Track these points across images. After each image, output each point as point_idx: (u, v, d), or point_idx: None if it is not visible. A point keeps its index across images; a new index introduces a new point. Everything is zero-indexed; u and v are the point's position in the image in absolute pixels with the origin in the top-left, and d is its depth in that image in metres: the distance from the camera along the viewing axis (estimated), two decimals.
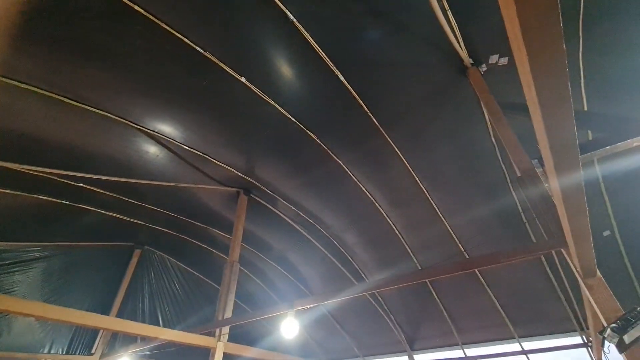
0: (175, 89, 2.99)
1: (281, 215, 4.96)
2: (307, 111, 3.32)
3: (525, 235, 3.95)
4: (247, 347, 3.52)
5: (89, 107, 3.07)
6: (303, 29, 2.56)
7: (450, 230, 4.34)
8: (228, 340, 3.44)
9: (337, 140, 3.66)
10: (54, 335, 4.99)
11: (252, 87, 2.99)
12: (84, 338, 5.26)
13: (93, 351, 5.11)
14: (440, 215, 4.26)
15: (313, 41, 2.65)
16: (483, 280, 4.60)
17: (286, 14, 2.44)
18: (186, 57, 2.68)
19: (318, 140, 3.61)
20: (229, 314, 3.53)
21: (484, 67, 2.90)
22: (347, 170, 4.01)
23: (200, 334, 3.44)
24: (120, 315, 5.54)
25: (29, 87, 2.73)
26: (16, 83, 2.68)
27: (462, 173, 3.80)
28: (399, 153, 3.70)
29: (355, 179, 4.14)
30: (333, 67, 2.84)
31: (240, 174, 4.29)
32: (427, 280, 5.11)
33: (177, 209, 5.11)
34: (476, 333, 5.29)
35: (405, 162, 3.79)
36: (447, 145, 3.58)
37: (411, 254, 4.88)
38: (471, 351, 5.43)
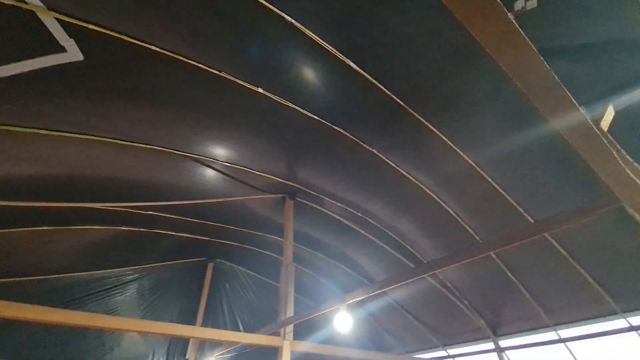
0: (204, 112, 3.24)
1: (329, 213, 5.02)
2: (329, 107, 3.31)
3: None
4: (313, 344, 3.64)
5: (143, 145, 3.49)
6: (304, 28, 2.57)
7: (514, 204, 3.92)
8: (295, 337, 3.59)
9: (365, 130, 3.58)
10: (155, 345, 5.74)
11: (271, 95, 3.09)
12: (178, 346, 5.96)
13: (187, 357, 5.75)
14: (500, 190, 3.87)
15: (316, 37, 2.64)
16: (564, 251, 4.06)
17: (283, 17, 2.48)
18: (205, 81, 2.89)
19: (346, 133, 3.58)
20: (290, 313, 3.69)
21: (510, 17, 2.58)
22: (384, 158, 3.89)
23: (267, 335, 3.65)
24: (205, 323, 6.14)
25: (95, 138, 3.22)
26: (86, 136, 3.17)
27: (512, 135, 3.41)
28: (434, 129, 3.48)
29: (393, 165, 4.00)
30: (343, 58, 2.79)
31: (281, 180, 4.45)
32: (498, 261, 4.69)
33: (234, 222, 5.50)
34: (569, 312, 4.71)
35: (444, 137, 3.54)
36: (489, 108, 3.24)
37: (473, 233, 4.53)
38: (566, 332, 4.84)
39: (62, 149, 3.24)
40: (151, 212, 4.73)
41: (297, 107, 3.24)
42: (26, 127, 2.87)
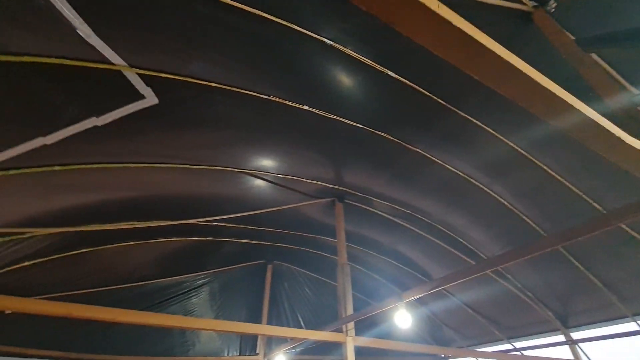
0: (257, 132, 3.59)
1: (378, 212, 5.15)
2: (371, 115, 3.46)
3: None
4: (374, 339, 3.83)
5: (206, 167, 3.95)
6: (342, 47, 2.76)
7: (577, 191, 3.73)
8: (357, 333, 3.82)
9: (408, 131, 3.67)
10: (228, 341, 6.36)
11: (316, 111, 3.32)
12: (249, 342, 6.52)
13: (257, 351, 6.28)
14: (557, 176, 3.72)
15: (354, 53, 2.81)
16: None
17: (323, 41, 2.69)
18: (257, 105, 3.20)
19: (389, 137, 3.70)
20: (350, 310, 3.92)
21: (552, 4, 2.52)
22: (429, 155, 3.94)
23: (330, 331, 3.92)
24: (269, 321, 6.63)
25: (168, 165, 3.73)
26: (161, 165, 3.69)
27: None
28: (479, 123, 3.46)
29: (440, 162, 4.03)
30: (381, 68, 2.93)
31: (329, 185, 4.69)
32: (563, 250, 4.48)
33: (289, 226, 5.87)
34: None
35: (490, 130, 3.51)
36: None
37: (532, 223, 4.38)
38: None
39: (144, 177, 3.79)
40: (215, 224, 5.25)
41: (340, 119, 3.44)
42: (115, 163, 3.43)
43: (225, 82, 2.93)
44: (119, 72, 2.56)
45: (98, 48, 2.34)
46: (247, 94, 3.05)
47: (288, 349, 5.47)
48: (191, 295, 6.19)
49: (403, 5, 0.58)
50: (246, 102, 3.13)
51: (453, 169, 4.14)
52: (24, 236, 3.90)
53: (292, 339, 4.98)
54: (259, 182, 4.62)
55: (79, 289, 5.06)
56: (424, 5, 0.57)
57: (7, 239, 3.82)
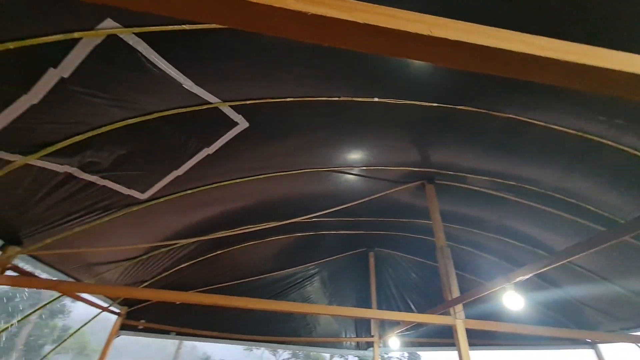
0: (334, 132, 3.82)
1: (476, 189, 4.80)
2: (444, 92, 3.30)
3: None
4: (487, 322, 3.66)
5: (295, 171, 4.41)
6: None
7: None
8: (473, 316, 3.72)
9: (492, 99, 3.34)
10: (344, 324, 6.90)
11: (386, 100, 3.36)
12: (364, 324, 6.93)
13: (372, 334, 6.62)
14: None
15: None
16: None
17: None
18: (330, 108, 3.42)
19: (471, 109, 3.44)
20: (455, 292, 3.83)
21: None
22: (524, 119, 3.50)
23: (439, 314, 3.92)
24: (379, 305, 6.90)
25: (264, 176, 4.31)
26: (257, 177, 4.30)
27: None
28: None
29: (540, 123, 3.53)
30: None
31: (416, 169, 4.61)
32: None
33: (383, 214, 5.98)
34: None
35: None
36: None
37: None
38: None
39: (249, 188, 4.46)
40: (314, 220, 5.74)
41: (412, 102, 3.38)
42: (226, 181, 4.16)
43: (298, 95, 3.24)
44: (216, 108, 3.12)
45: (199, 94, 2.91)
46: (318, 100, 3.31)
47: (399, 332, 5.62)
48: (305, 284, 6.93)
49: None
50: (319, 107, 3.38)
51: (560, 128, 3.57)
52: (177, 245, 5.07)
53: (402, 322, 5.11)
54: (347, 177, 4.88)
55: (218, 284, 6.26)
56: None
57: (167, 249, 5.04)
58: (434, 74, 3.14)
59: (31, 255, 3.53)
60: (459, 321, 3.61)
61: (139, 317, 6.16)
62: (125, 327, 6.04)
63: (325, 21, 0.67)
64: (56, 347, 6.15)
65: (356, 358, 23.73)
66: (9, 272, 3.26)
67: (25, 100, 2.28)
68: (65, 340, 7.03)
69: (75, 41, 2.13)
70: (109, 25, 2.14)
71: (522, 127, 3.62)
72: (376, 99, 3.34)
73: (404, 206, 5.65)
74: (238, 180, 4.15)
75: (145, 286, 5.54)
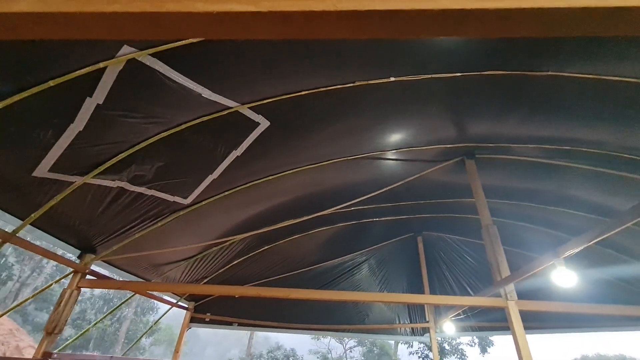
0: (354, 118, 3.76)
1: (522, 158, 4.37)
2: (467, 59, 3.04)
3: None
4: (543, 302, 3.35)
5: (326, 162, 4.44)
6: None
7: None
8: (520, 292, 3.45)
9: (523, 57, 3.00)
10: (397, 311, 6.81)
11: (403, 78, 3.21)
12: (417, 310, 6.78)
13: (427, 319, 6.45)
14: None
15: None
16: None
17: None
18: (347, 93, 3.38)
19: (502, 72, 3.13)
20: (506, 272, 3.56)
21: None
22: (569, 74, 3.08)
23: (489, 297, 3.69)
24: (432, 290, 6.68)
25: (296, 170, 4.42)
26: (289, 172, 4.43)
27: None
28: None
29: (591, 76, 3.07)
30: None
31: (452, 146, 4.35)
32: None
33: (426, 197, 5.75)
34: None
35: None
36: None
37: None
38: None
39: (283, 184, 4.61)
40: (353, 208, 5.73)
41: (433, 75, 3.18)
42: (258, 180, 4.35)
43: (312, 87, 3.25)
44: (237, 112, 3.27)
45: (218, 101, 3.08)
46: (333, 90, 3.28)
47: (453, 317, 5.40)
48: (354, 273, 6.98)
49: None
50: (335, 96, 3.36)
51: (616, 78, 3.08)
52: (227, 243, 5.46)
53: (453, 306, 4.90)
54: (382, 163, 4.79)
55: (270, 277, 6.60)
56: None
57: (219, 247, 5.44)
58: (451, 41, 2.91)
59: (104, 261, 4.10)
60: (511, 303, 3.36)
61: (205, 311, 6.77)
62: (194, 320, 6.69)
63: (233, 16, 0.69)
64: (136, 342, 7.03)
65: (421, 344, 23.32)
66: (88, 277, 3.82)
67: (73, 128, 2.63)
68: (146, 333, 7.96)
69: (102, 71, 2.40)
70: (126, 52, 2.37)
71: (568, 83, 3.20)
72: (392, 79, 3.21)
73: (447, 186, 5.36)
74: (271, 178, 4.32)
75: (206, 282, 6.06)
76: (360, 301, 6.65)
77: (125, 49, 2.35)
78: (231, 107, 3.22)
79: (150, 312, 37.40)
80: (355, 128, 3.97)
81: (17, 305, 3.85)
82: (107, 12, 0.69)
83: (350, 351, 37.12)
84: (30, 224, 3.03)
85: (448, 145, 4.39)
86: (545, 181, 4.66)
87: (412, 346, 23.58)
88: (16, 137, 2.52)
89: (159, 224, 4.04)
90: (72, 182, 3.00)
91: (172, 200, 3.87)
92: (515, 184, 4.92)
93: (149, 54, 2.45)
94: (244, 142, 3.60)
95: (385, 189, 4.87)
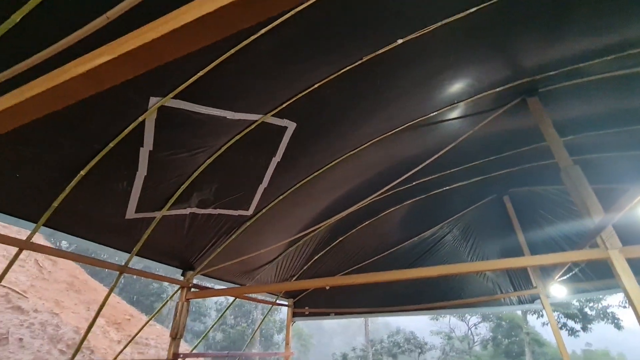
0: (375, 93, 3.62)
1: (593, 78, 3.54)
2: None
3: None
4: None
5: (365, 144, 4.36)
6: None
7: None
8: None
9: None
10: (496, 280, 6.20)
11: (411, 36, 2.97)
12: (520, 276, 6.05)
13: (534, 284, 5.68)
14: None
15: None
16: None
17: None
18: (359, 71, 3.29)
19: None
20: (599, 214, 2.95)
21: None
22: None
23: (586, 249, 3.13)
24: (534, 250, 5.86)
25: (337, 161, 4.46)
26: (335, 162, 4.49)
27: None
28: None
29: None
30: None
31: (506, 87, 3.80)
32: None
33: (492, 151, 5.13)
34: None
35: None
36: None
37: None
38: None
39: (334, 176, 4.68)
40: (414, 183, 5.46)
41: (444, 22, 2.86)
42: (307, 177, 4.53)
43: (324, 76, 3.27)
44: (263, 122, 3.51)
45: (243, 118, 3.37)
46: (344, 72, 3.24)
47: (559, 277, 4.66)
48: (438, 247, 6.64)
49: None
50: (348, 78, 3.30)
51: None
52: (310, 235, 5.77)
53: (552, 265, 4.24)
54: (432, 126, 4.47)
55: (352, 267, 6.76)
56: None
57: (296, 245, 5.85)
58: None
59: (203, 274, 4.86)
60: (613, 252, 2.78)
61: (303, 305, 7.33)
62: (296, 314, 7.32)
63: (99, 69, 0.85)
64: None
65: (555, 313, 20.36)
66: (193, 289, 4.60)
67: (140, 175, 3.24)
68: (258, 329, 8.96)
69: (143, 123, 2.90)
70: (154, 102, 2.81)
71: None
72: (400, 41, 3.00)
73: (517, 134, 4.68)
74: (316, 173, 4.46)
75: (296, 279, 6.58)
76: (449, 274, 6.26)
77: (152, 100, 2.79)
78: (256, 120, 3.48)
79: (277, 312, 41.84)
80: (384, 100, 3.81)
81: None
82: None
83: (476, 328, 34.84)
84: (137, 255, 3.82)
85: (502, 88, 3.85)
86: (630, 97, 3.65)
87: (542, 316, 20.82)
88: (106, 192, 3.24)
89: (234, 236, 4.59)
90: (154, 217, 3.68)
91: (237, 214, 4.36)
92: (593, 110, 4.00)
93: (172, 98, 2.86)
94: (280, 147, 3.83)
95: (443, 151, 4.50)
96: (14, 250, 2.81)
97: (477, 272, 6.05)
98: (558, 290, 4.93)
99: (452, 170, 5.45)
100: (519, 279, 6.09)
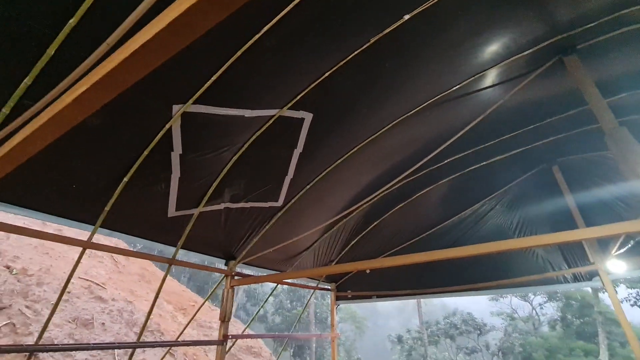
0: (388, 75, 3.52)
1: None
2: None
3: None
4: None
5: (385, 128, 4.27)
6: None
7: None
8: None
9: None
10: (547, 256, 5.77)
11: (416, 11, 2.84)
12: (575, 252, 5.57)
13: (592, 260, 5.19)
14: None
15: None
16: None
17: None
18: (369, 56, 3.24)
19: None
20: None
21: None
22: None
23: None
24: (593, 222, 5.32)
25: (355, 149, 4.44)
26: (354, 150, 4.48)
27: None
28: None
29: None
30: None
31: (538, 47, 3.48)
32: None
33: (532, 120, 4.72)
34: None
35: None
36: None
37: None
38: None
39: (354, 162, 4.69)
40: (445, 162, 5.24)
41: None
42: (328, 167, 4.58)
43: (333, 64, 3.28)
44: (280, 116, 3.63)
45: (261, 114, 3.52)
46: (354, 58, 3.21)
47: (616, 251, 4.21)
48: (479, 226, 6.34)
49: None
50: (359, 63, 3.27)
51: None
52: (343, 222, 5.88)
53: (608, 237, 3.85)
54: (455, 102, 4.26)
55: (391, 249, 6.73)
56: None
57: (330, 232, 5.98)
58: None
59: (244, 263, 5.22)
60: None
61: (346, 289, 7.52)
62: (339, 298, 7.54)
63: (85, 97, 1.00)
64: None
65: (632, 290, 18.27)
66: (236, 277, 4.98)
67: (174, 177, 3.57)
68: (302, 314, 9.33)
69: (170, 129, 3.17)
70: (176, 109, 3.06)
71: None
72: (406, 17, 2.89)
73: (555, 99, 4.27)
74: (339, 161, 4.50)
75: (335, 264, 6.75)
76: (494, 252, 5.94)
77: (175, 107, 3.04)
78: (273, 115, 3.60)
79: (328, 296, 43.16)
80: (398, 82, 3.71)
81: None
82: None
83: (541, 308, 32.61)
84: (182, 248, 4.23)
85: (534, 49, 3.52)
86: None
87: (617, 293, 18.70)
88: (148, 194, 3.62)
89: (267, 226, 4.85)
90: (192, 214, 4.03)
91: (267, 206, 4.59)
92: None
93: (192, 103, 3.08)
94: (300, 138, 3.94)
95: (472, 124, 4.26)
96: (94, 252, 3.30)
97: (526, 248, 5.68)
98: (616, 265, 4.44)
99: (486, 144, 5.13)
100: (574, 255, 5.59)
